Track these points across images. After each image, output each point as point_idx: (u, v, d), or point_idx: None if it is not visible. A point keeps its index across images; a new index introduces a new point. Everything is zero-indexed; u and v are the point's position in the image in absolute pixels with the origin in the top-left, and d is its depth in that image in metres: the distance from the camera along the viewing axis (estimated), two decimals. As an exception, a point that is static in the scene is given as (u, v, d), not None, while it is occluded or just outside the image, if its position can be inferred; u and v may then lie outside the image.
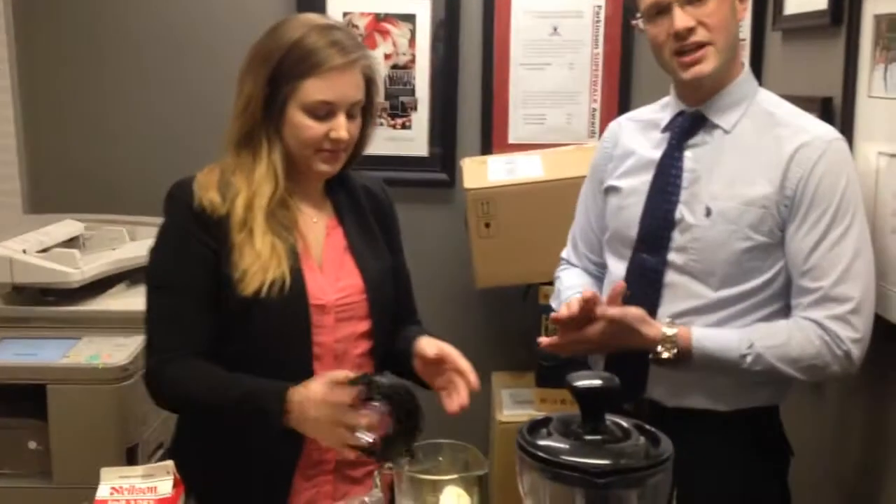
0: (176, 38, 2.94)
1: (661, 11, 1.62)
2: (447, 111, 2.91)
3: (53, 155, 2.98)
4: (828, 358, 1.57)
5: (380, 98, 1.62)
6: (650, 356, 1.61)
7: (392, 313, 1.68)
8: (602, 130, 2.90)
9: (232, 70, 2.95)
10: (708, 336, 1.60)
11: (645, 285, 1.72)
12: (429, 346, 1.55)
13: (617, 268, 1.79)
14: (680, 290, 1.68)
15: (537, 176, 2.63)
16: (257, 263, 1.48)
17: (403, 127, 2.91)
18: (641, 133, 1.81)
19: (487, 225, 2.63)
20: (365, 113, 1.60)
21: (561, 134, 2.90)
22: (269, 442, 1.49)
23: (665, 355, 1.59)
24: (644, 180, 1.75)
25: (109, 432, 2.15)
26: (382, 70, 2.81)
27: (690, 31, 1.60)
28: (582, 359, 1.82)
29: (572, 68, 2.88)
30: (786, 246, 1.62)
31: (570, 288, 1.88)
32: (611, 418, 1.11)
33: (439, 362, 1.52)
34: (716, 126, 1.68)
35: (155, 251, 1.57)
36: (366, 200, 1.71)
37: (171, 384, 1.51)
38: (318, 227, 1.62)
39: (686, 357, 1.59)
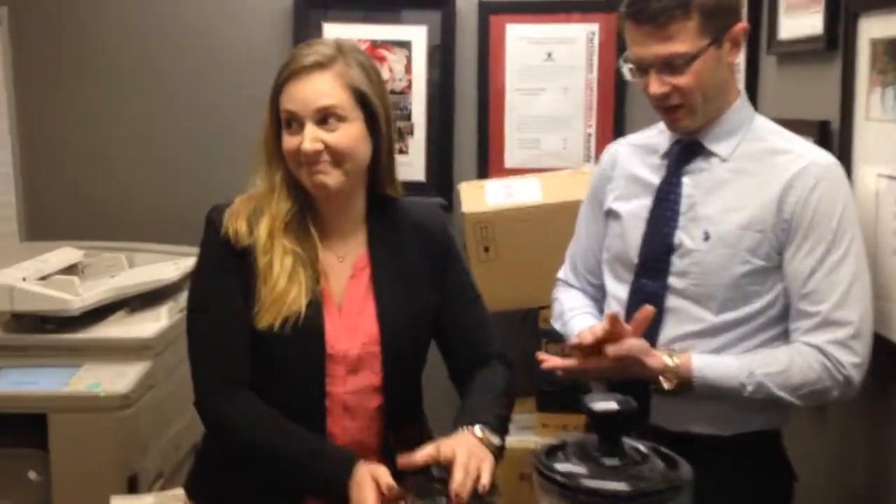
0: (171, 64, 2.96)
1: (642, 68, 1.64)
2: (443, 136, 2.93)
3: (50, 182, 2.98)
4: (828, 383, 1.58)
5: (383, 107, 1.51)
6: (652, 386, 1.62)
7: (417, 364, 1.61)
8: (598, 154, 2.94)
9: (228, 95, 2.99)
10: (709, 365, 1.61)
11: (646, 310, 1.73)
12: (443, 449, 1.41)
13: (617, 290, 1.80)
14: (681, 315, 1.69)
15: (536, 200, 2.65)
16: (272, 295, 1.46)
17: (400, 152, 2.92)
18: (640, 157, 1.83)
19: (486, 249, 2.64)
20: (369, 125, 1.50)
21: (557, 158, 2.92)
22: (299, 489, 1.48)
23: (666, 386, 1.60)
24: (643, 205, 1.76)
25: (111, 462, 2.13)
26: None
27: (665, 96, 1.63)
28: (582, 382, 1.83)
29: (567, 93, 2.91)
30: (784, 270, 1.64)
31: (574, 309, 1.89)
32: (628, 442, 1.12)
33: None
34: (712, 154, 1.70)
35: (195, 274, 1.57)
36: (412, 234, 1.60)
37: (234, 420, 1.48)
38: (343, 267, 1.56)
39: (687, 387, 1.60)
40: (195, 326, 1.52)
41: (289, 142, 1.48)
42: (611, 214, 1.84)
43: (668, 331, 1.69)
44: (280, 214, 1.51)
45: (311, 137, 1.45)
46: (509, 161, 2.95)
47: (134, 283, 2.41)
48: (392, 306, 1.54)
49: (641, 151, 1.84)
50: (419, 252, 1.60)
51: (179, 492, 1.44)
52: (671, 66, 1.59)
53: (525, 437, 2.62)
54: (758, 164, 1.66)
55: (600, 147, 2.92)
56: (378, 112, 1.51)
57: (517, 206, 2.65)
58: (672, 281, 1.70)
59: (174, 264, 2.58)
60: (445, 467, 1.35)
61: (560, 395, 2.55)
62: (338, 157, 1.47)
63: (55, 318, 2.28)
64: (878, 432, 1.77)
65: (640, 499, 1.04)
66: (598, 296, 1.92)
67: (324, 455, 1.42)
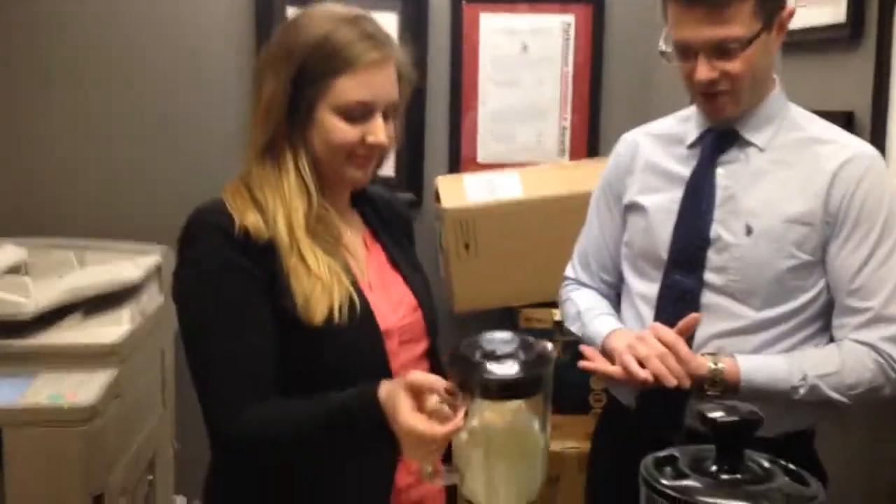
0: (122, 52, 2.75)
1: (687, 52, 1.56)
2: (414, 129, 2.79)
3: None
4: (881, 380, 1.53)
5: (406, 97, 1.46)
6: (693, 392, 1.53)
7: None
8: (573, 149, 2.87)
9: (184, 85, 2.80)
10: (757, 369, 1.53)
11: (680, 307, 1.64)
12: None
13: (643, 288, 1.72)
14: (719, 312, 1.61)
15: (517, 195, 2.56)
16: (319, 286, 1.32)
17: (367, 145, 2.78)
18: (663, 148, 1.74)
19: (467, 246, 2.53)
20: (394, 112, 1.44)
21: (531, 152, 2.83)
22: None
23: (710, 392, 1.51)
24: (673, 198, 1.68)
25: (74, 480, 1.91)
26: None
27: (713, 82, 1.55)
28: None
29: (541, 86, 2.82)
30: (829, 265, 1.58)
31: (592, 310, 1.79)
32: (750, 455, 1.01)
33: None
34: (749, 143, 1.63)
35: (191, 295, 1.35)
36: (389, 214, 1.58)
37: (255, 435, 1.29)
38: (357, 243, 1.47)
39: (733, 391, 1.51)
40: (212, 352, 1.31)
41: (349, 132, 1.36)
42: (633, 208, 1.75)
43: (705, 329, 1.61)
44: (298, 209, 1.37)
45: (385, 131, 1.38)
46: (482, 155, 2.84)
47: (92, 284, 2.20)
48: (413, 275, 1.52)
49: (664, 141, 1.75)
50: (399, 230, 1.58)
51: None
52: (723, 50, 1.51)
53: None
54: (799, 155, 1.59)
55: (575, 141, 2.85)
56: (403, 102, 1.47)
57: (499, 201, 2.55)
58: (709, 277, 1.61)
59: (133, 263, 2.37)
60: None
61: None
62: (383, 153, 1.44)
63: (5, 324, 2.05)
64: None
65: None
66: (612, 295, 1.83)
67: (342, 408, 1.25)
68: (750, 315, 1.59)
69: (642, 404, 1.68)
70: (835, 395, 1.52)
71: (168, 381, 2.50)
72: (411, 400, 1.19)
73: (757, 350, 1.58)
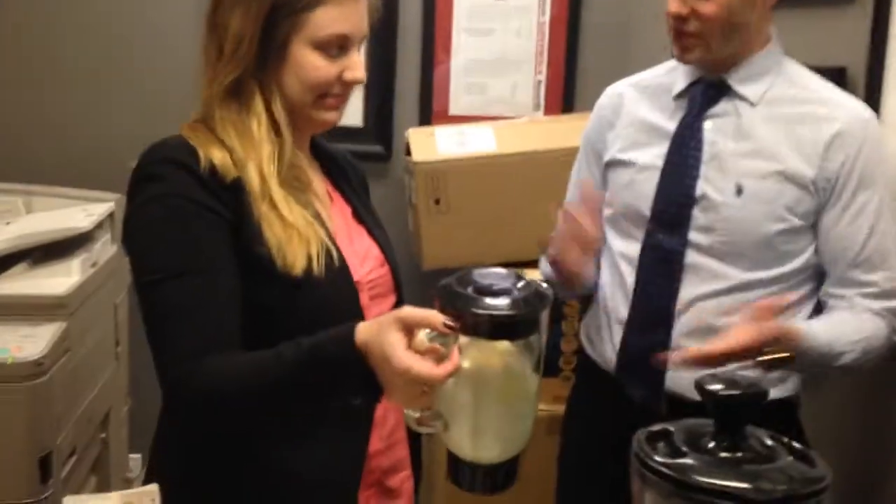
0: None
1: None
2: (384, 78, 2.67)
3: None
4: (886, 350, 1.50)
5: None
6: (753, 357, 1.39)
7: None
8: (548, 103, 2.77)
9: (126, 20, 2.63)
10: (820, 330, 1.45)
11: (662, 267, 1.58)
12: None
13: (624, 248, 1.64)
14: (703, 273, 1.55)
15: (490, 149, 2.45)
16: (295, 235, 1.21)
17: (334, 94, 2.66)
18: (650, 100, 1.66)
19: (437, 201, 2.43)
20: None
21: (504, 105, 2.72)
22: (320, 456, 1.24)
23: (766, 356, 1.37)
24: (657, 153, 1.60)
25: (19, 439, 1.82)
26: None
27: (682, 18, 1.49)
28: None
29: (518, 36, 2.71)
30: (825, 233, 1.51)
31: None
32: (752, 431, 0.94)
33: None
34: (740, 97, 1.55)
35: (149, 235, 1.21)
36: (349, 168, 1.48)
37: (208, 388, 1.16)
38: (322, 193, 1.37)
39: (788, 360, 1.40)
40: (171, 298, 1.17)
41: (326, 69, 1.26)
42: (615, 164, 1.67)
43: (688, 290, 1.55)
44: (270, 155, 1.26)
45: (362, 65, 1.29)
46: (454, 107, 2.72)
47: (41, 232, 2.08)
48: (377, 229, 1.42)
49: (650, 93, 1.67)
50: (359, 186, 1.48)
51: (155, 488, 1.16)
52: None
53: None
54: (793, 113, 1.52)
55: (550, 95, 2.75)
56: None
57: (470, 155, 2.44)
58: (693, 236, 1.54)
59: (83, 210, 2.25)
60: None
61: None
62: (350, 91, 1.32)
63: (-55, 273, 1.94)
64: (881, 395, 1.68)
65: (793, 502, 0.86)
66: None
67: (314, 351, 1.11)
68: (736, 276, 1.53)
69: (622, 368, 1.62)
70: (859, 362, 1.47)
71: (122, 335, 2.39)
72: (404, 338, 1.07)
73: (741, 312, 1.52)
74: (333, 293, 1.25)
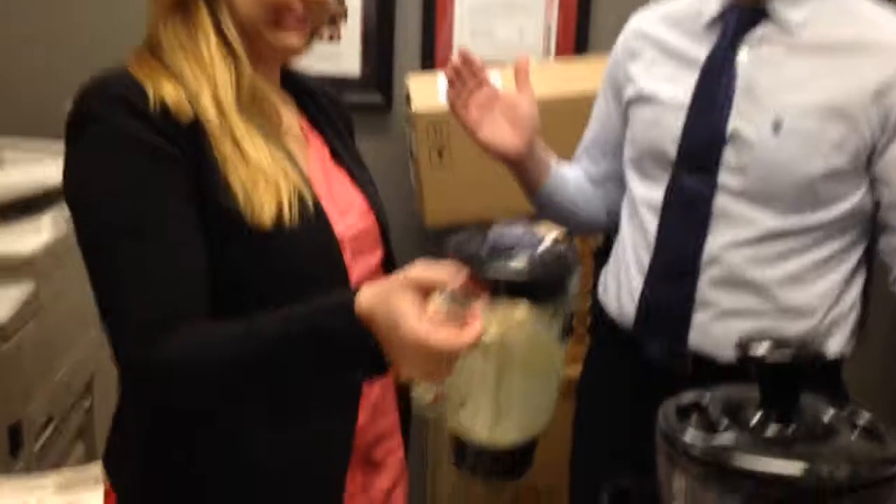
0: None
1: None
2: (383, 21, 2.48)
3: None
4: None
5: None
6: None
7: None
8: (559, 48, 2.59)
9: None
10: None
11: (688, 213, 1.42)
12: None
13: (646, 193, 1.48)
14: (735, 219, 1.39)
15: (497, 96, 2.27)
16: (262, 179, 1.04)
17: (330, 39, 2.47)
18: (676, 28, 1.49)
19: (440, 154, 2.25)
20: None
21: (512, 51, 2.52)
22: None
23: None
24: (685, 86, 1.43)
25: (-15, 408, 1.68)
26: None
27: None
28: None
29: (527, -25, 2.52)
30: (886, 177, 1.34)
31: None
32: (806, 402, 0.77)
33: None
34: (780, 21, 1.36)
35: (98, 185, 1.04)
36: (331, 105, 1.31)
37: (179, 366, 0.98)
38: (294, 130, 1.19)
39: None
40: (125, 261, 1.01)
41: None
42: (637, 101, 1.50)
43: (717, 237, 1.39)
44: (225, 80, 1.09)
45: None
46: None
47: (8, 186, 1.92)
48: (361, 172, 1.25)
49: (677, 21, 1.49)
50: (343, 125, 1.31)
51: (94, 469, 1.01)
52: None
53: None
54: (843, 40, 1.34)
55: (562, 40, 2.56)
56: None
57: (476, 103, 2.26)
58: (724, 178, 1.38)
59: (55, 164, 2.07)
60: None
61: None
62: (318, 15, 1.15)
63: None
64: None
65: (863, 489, 0.69)
66: (591, 186, 1.64)
67: (308, 321, 0.95)
68: (770, 223, 1.36)
69: (641, 322, 1.46)
70: None
71: (104, 298, 2.23)
72: (418, 302, 0.90)
73: (776, 261, 1.36)
74: (310, 248, 1.09)
